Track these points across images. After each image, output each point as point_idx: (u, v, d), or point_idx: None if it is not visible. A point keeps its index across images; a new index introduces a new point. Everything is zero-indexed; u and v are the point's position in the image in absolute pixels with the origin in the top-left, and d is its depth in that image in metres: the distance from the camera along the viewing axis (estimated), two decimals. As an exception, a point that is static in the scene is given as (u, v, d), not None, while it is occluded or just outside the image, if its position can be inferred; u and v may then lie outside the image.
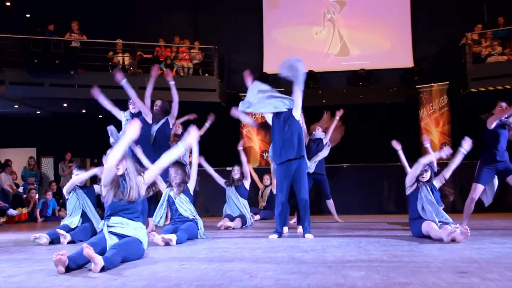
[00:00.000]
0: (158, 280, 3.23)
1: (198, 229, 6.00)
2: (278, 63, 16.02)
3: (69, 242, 5.78)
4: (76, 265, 3.64)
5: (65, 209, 11.72)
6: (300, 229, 6.52)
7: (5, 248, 5.50)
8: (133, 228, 4.24)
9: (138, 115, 7.31)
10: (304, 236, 5.97)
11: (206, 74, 14.13)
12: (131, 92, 7.33)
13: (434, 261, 3.81)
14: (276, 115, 6.24)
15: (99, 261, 3.54)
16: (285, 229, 6.63)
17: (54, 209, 11.88)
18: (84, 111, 14.58)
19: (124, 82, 7.27)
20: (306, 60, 15.70)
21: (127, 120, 7.39)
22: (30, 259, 4.51)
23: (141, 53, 13.94)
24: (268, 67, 15.21)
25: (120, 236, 4.17)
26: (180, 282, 3.14)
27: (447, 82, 13.61)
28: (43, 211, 11.65)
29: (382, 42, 15.19)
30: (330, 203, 9.08)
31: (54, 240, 5.77)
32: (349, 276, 3.22)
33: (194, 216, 6.04)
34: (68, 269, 3.56)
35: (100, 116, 15.04)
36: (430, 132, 13.56)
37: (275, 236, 5.99)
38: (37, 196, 12.63)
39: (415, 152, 13.59)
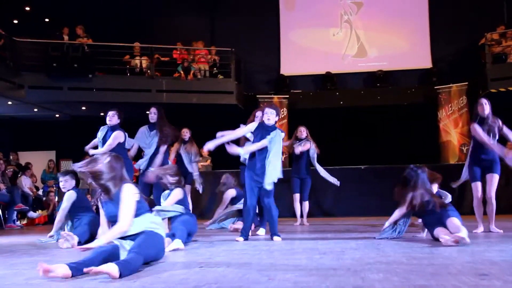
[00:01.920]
0: (177, 282, 3.25)
1: (196, 224, 5.92)
2: (295, 65, 16.15)
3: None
4: (80, 272, 3.47)
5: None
6: (262, 231, 6.90)
7: (26, 250, 5.56)
8: (145, 222, 3.99)
9: (114, 128, 7.27)
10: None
11: (221, 76, 14.16)
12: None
13: (454, 263, 3.77)
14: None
15: (114, 271, 3.34)
16: (262, 230, 6.99)
17: (73, 211, 11.95)
18: (102, 114, 14.65)
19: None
20: (323, 62, 15.91)
21: (103, 133, 7.36)
22: (50, 261, 4.55)
23: (159, 56, 14.03)
24: (285, 69, 15.23)
25: (133, 237, 3.92)
26: (198, 284, 3.15)
27: (466, 83, 13.50)
28: (62, 214, 11.73)
29: (399, 43, 15.11)
30: (305, 204, 9.06)
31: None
32: (367, 278, 3.20)
33: (189, 210, 6.04)
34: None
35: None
36: (449, 133, 13.45)
37: (241, 239, 6.12)
38: (56, 198, 12.74)
39: (434, 154, 13.54)
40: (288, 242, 5.80)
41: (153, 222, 4.06)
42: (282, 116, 13.95)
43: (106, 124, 7.37)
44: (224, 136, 6.48)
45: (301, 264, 3.96)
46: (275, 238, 6.09)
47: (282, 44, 15.54)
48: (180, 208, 5.80)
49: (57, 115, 14.74)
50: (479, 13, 14.43)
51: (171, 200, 5.82)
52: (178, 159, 8.63)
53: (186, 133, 8.69)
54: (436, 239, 5.31)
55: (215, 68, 14.21)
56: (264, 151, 6.11)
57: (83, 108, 13.91)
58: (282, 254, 4.67)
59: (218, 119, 13.69)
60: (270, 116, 6.20)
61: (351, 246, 5.19)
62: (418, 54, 14.90)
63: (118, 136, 7.09)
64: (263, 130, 6.19)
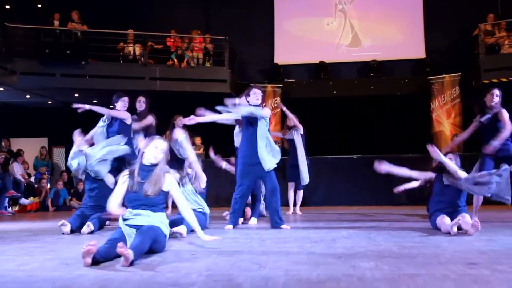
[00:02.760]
0: (168, 270, 3.26)
1: (206, 220, 6.01)
2: (289, 54, 16.10)
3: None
4: (103, 258, 3.51)
5: (77, 199, 11.89)
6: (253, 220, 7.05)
7: (18, 237, 5.56)
8: (150, 218, 4.05)
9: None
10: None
11: (208, 64, 14.10)
12: (101, 110, 7.18)
13: (444, 253, 3.81)
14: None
15: (131, 256, 3.38)
16: (254, 219, 7.08)
17: (65, 198, 11.96)
18: (95, 101, 14.63)
19: (89, 107, 7.16)
20: (317, 51, 15.87)
21: (104, 123, 7.26)
22: (42, 247, 4.56)
23: (152, 43, 13.96)
24: (279, 59, 15.20)
25: (136, 227, 3.99)
26: (190, 272, 3.16)
27: (459, 74, 13.51)
28: (54, 201, 11.75)
29: (393, 33, 15.10)
30: (299, 193, 9.10)
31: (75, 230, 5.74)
32: (358, 267, 3.23)
33: (202, 208, 6.02)
34: (93, 262, 3.44)
35: (111, 107, 15.12)
36: (441, 124, 13.50)
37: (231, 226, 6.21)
38: (48, 185, 12.73)
39: (426, 144, 13.57)
40: (280, 231, 5.82)
41: (161, 222, 4.11)
42: (276, 105, 13.95)
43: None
44: (210, 116, 6.51)
45: (293, 252, 3.98)
46: (284, 226, 6.10)
47: (276, 33, 15.49)
48: (200, 201, 6.04)
49: (49, 102, 14.66)
50: (473, 3, 14.42)
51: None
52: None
53: (180, 121, 8.63)
54: (436, 228, 5.32)
55: (207, 58, 14.14)
56: (252, 134, 6.13)
57: (76, 95, 13.83)
58: (273, 242, 4.69)
59: (212, 107, 13.68)
60: (258, 96, 6.27)
61: (343, 235, 5.22)
62: (412, 44, 14.89)
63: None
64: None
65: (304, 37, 15.32)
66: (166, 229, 4.13)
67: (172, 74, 13.47)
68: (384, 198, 11.01)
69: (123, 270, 3.26)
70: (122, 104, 7.16)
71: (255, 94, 6.26)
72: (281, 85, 14.33)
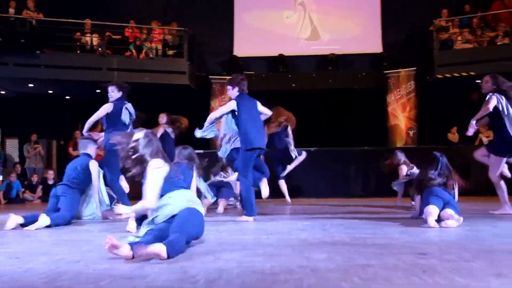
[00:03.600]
0: (122, 261, 3.23)
1: None
2: (248, 47, 16.06)
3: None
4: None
5: (30, 191, 11.64)
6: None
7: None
8: (182, 201, 3.85)
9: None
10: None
11: (171, 51, 14.01)
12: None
13: (396, 243, 3.89)
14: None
15: (163, 252, 3.16)
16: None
17: (18, 191, 11.68)
18: (50, 92, 14.34)
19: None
20: (276, 44, 15.87)
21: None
22: (-7, 241, 4.45)
23: (110, 34, 13.72)
24: (238, 51, 15.16)
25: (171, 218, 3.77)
26: (143, 264, 3.14)
27: (415, 68, 13.78)
28: (6, 193, 11.46)
29: (352, 27, 15.24)
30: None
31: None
32: (312, 258, 3.26)
33: None
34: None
35: (68, 97, 14.83)
36: (397, 117, 13.74)
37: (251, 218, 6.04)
38: (1, 177, 12.42)
39: (382, 137, 13.83)
40: (237, 223, 5.83)
41: (190, 200, 3.92)
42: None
43: (56, 102, 7.07)
44: (207, 121, 6.35)
45: (248, 244, 3.99)
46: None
47: (235, 25, 15.44)
48: None
49: (2, 92, 14.26)
50: (429, 0, 14.68)
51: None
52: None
53: (163, 118, 8.57)
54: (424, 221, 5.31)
55: (166, 49, 14.00)
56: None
57: (30, 85, 13.50)
58: (229, 234, 4.70)
59: (171, 99, 13.62)
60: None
61: (298, 226, 5.27)
62: (370, 39, 15.07)
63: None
64: (249, 101, 6.24)
65: (263, 29, 15.33)
66: (201, 208, 3.99)
67: (131, 65, 13.29)
68: (341, 190, 11.19)
69: (76, 263, 3.21)
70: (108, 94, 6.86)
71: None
72: (240, 77, 14.28)
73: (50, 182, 11.72)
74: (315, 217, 6.43)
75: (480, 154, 6.79)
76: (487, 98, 6.40)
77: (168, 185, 3.95)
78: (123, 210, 3.95)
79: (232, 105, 6.14)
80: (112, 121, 6.52)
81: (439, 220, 4.95)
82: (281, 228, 5.09)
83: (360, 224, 5.41)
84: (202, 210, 3.98)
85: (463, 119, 8.30)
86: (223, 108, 6.34)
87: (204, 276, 2.78)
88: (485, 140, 12.15)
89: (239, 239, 4.27)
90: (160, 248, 3.16)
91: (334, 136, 13.61)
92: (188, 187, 4.07)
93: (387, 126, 13.90)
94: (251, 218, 5.98)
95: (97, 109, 6.54)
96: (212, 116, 6.32)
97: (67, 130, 12.60)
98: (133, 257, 3.25)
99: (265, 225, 5.46)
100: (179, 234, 3.45)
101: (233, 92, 6.24)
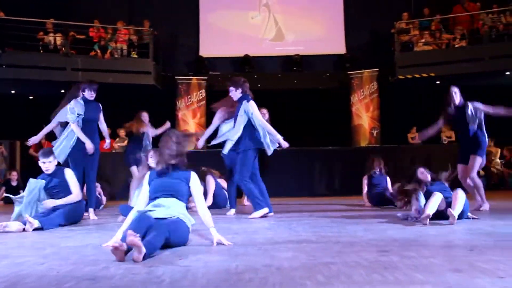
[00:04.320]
0: (86, 263, 3.19)
1: None
2: (214, 47, 15.96)
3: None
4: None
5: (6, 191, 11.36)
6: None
7: None
8: (170, 209, 3.89)
9: (89, 102, 6.83)
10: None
11: (135, 54, 13.89)
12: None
13: (359, 241, 3.94)
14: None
15: (143, 249, 3.19)
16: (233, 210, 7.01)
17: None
18: (13, 92, 14.03)
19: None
20: (242, 45, 15.87)
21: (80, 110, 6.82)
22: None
23: (74, 33, 13.50)
24: (204, 51, 15.12)
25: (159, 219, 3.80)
26: (108, 265, 3.11)
27: (377, 69, 13.96)
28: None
29: (316, 29, 15.37)
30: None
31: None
32: (277, 257, 3.28)
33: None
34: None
35: (31, 97, 14.54)
36: (360, 117, 13.90)
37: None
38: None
39: (346, 137, 13.98)
40: (201, 223, 5.80)
41: (183, 214, 3.96)
42: (201, 97, 13.88)
43: (18, 102, 6.97)
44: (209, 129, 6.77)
45: (213, 243, 3.98)
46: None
47: (201, 25, 15.39)
48: None
49: (-38, 92, 13.91)
50: (390, 3, 14.92)
51: None
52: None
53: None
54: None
55: (131, 49, 13.86)
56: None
57: (-8, 85, 13.21)
58: (195, 234, 4.67)
59: (135, 99, 13.48)
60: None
61: (264, 225, 5.29)
62: (333, 40, 15.22)
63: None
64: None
65: (229, 30, 15.32)
66: (188, 221, 3.97)
67: (95, 65, 13.11)
68: (306, 189, 11.22)
69: (39, 266, 3.16)
70: (89, 93, 6.76)
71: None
72: (206, 77, 14.26)
73: (14, 183, 11.44)
74: (281, 216, 6.46)
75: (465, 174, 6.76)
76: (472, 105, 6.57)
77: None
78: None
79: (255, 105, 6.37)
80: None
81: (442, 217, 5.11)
82: (247, 228, 5.10)
83: (325, 222, 5.45)
84: (190, 226, 4.02)
85: (423, 119, 8.48)
86: (257, 112, 6.48)
87: (169, 276, 2.77)
88: (445, 139, 12.43)
89: (204, 239, 4.25)
90: (142, 249, 3.19)
91: (299, 136, 13.66)
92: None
93: (351, 126, 14.05)
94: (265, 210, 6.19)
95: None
96: (267, 126, 6.74)
97: (30, 130, 12.33)
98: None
99: (231, 225, 5.46)
100: (156, 233, 3.48)
101: (236, 93, 6.40)
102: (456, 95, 6.71)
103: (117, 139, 11.98)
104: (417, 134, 6.90)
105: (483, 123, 6.67)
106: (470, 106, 6.60)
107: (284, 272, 2.82)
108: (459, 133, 6.96)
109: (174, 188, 4.00)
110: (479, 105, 6.63)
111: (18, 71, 12.45)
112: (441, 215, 5.16)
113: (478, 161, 6.62)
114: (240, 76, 6.76)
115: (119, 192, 10.46)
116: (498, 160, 12.72)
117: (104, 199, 8.98)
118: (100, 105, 6.96)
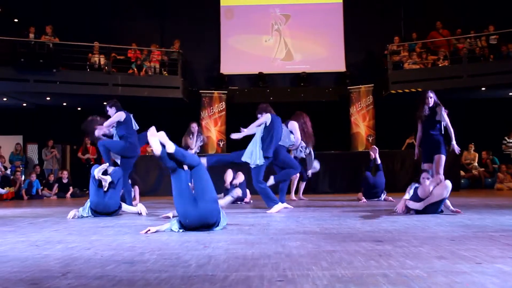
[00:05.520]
0: (125, 249, 3.20)
1: None
2: (233, 66, 16.00)
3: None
4: None
5: (48, 189, 11.48)
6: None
7: (-8, 223, 5.31)
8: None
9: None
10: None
11: (165, 73, 13.94)
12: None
13: (357, 233, 3.91)
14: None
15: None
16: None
17: (37, 188, 11.50)
18: (64, 104, 14.19)
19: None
20: (257, 64, 15.89)
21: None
22: (14, 231, 4.38)
23: (115, 54, 13.62)
24: (225, 69, 15.15)
25: None
26: (144, 251, 3.12)
27: (372, 85, 13.87)
28: (28, 191, 11.29)
29: (320, 50, 15.34)
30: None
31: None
32: (287, 246, 3.27)
33: None
34: None
35: (79, 109, 14.68)
36: (358, 126, 13.82)
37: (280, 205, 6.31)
38: (22, 177, 12.23)
39: (346, 143, 13.91)
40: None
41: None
42: (221, 109, 13.91)
43: (69, 113, 7.01)
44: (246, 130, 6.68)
45: (233, 233, 3.98)
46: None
47: (222, 48, 15.43)
48: None
49: (24, 104, 14.07)
50: (383, 28, 14.81)
51: None
52: None
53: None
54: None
55: (162, 69, 13.95)
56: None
57: (48, 98, 13.34)
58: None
59: (166, 110, 13.54)
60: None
61: (275, 219, 5.27)
62: (335, 60, 15.16)
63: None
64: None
65: (245, 51, 15.35)
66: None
67: (133, 81, 13.20)
68: (312, 188, 11.14)
69: (86, 250, 3.17)
70: (113, 110, 6.66)
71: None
72: (226, 92, 14.28)
73: (65, 181, 11.60)
74: (290, 210, 6.44)
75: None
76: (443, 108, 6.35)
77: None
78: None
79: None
80: (126, 127, 6.51)
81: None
82: (261, 220, 5.09)
83: (327, 216, 5.42)
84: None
85: (411, 127, 8.39)
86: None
87: (195, 261, 2.77)
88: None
89: (225, 230, 4.25)
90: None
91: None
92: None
93: (350, 133, 13.97)
94: (280, 205, 6.24)
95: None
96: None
97: (78, 137, 12.47)
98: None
99: (247, 218, 5.45)
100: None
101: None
102: (431, 99, 6.53)
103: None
104: (416, 151, 6.64)
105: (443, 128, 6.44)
106: (442, 108, 6.37)
107: (293, 259, 2.81)
108: (424, 133, 6.61)
109: None
110: (445, 114, 6.38)
111: (69, 86, 12.58)
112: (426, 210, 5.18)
113: (443, 159, 6.36)
114: (262, 102, 7.07)
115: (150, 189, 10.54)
116: (476, 164, 12.58)
117: (137, 194, 8.28)
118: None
